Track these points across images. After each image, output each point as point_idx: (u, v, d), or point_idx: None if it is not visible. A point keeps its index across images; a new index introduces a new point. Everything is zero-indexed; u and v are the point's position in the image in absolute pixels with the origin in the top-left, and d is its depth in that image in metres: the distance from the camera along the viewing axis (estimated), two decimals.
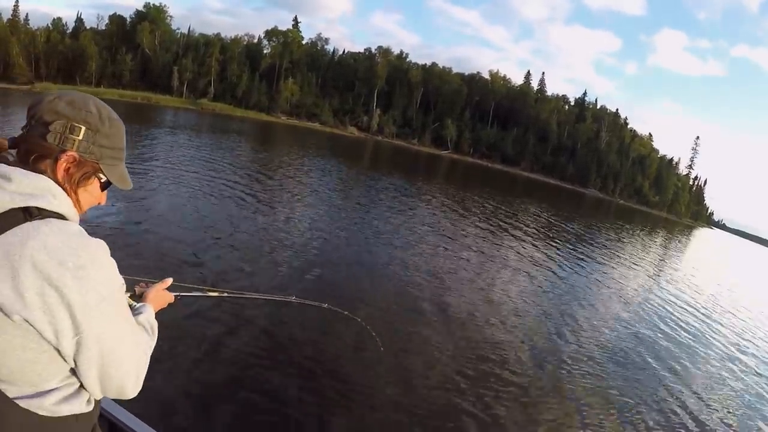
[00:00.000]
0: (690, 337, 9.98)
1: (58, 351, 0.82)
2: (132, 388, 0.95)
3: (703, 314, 12.63)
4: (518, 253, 13.78)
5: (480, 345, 6.57)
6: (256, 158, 24.02)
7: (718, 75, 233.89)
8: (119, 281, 0.91)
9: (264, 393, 4.65)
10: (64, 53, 62.53)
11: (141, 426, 1.68)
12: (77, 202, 0.95)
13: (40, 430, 0.85)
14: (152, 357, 1.02)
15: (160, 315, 1.22)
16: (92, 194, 0.99)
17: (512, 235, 16.45)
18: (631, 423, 5.48)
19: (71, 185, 0.93)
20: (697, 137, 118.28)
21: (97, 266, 0.83)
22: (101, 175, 0.98)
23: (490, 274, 10.70)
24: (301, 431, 4.24)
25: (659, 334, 9.42)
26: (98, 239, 0.87)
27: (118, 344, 0.89)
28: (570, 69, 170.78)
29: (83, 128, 0.91)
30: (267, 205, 12.70)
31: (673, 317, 11.23)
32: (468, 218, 18.26)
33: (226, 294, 1.89)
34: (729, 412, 6.56)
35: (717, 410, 6.51)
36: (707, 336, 10.49)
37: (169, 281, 1.34)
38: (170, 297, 1.34)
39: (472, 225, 16.83)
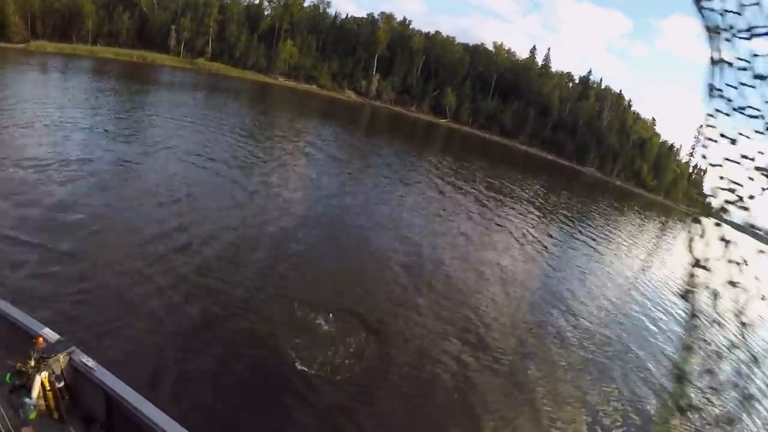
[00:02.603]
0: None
1: None
2: None
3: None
4: (510, 225, 13.97)
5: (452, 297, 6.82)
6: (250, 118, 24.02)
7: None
8: None
9: None
10: (60, 11, 61.15)
11: (136, 397, 1.89)
12: None
13: None
14: None
15: None
16: None
17: (505, 207, 16.61)
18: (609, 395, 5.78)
19: None
20: (701, 126, 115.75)
21: None
22: None
23: (474, 241, 10.79)
24: None
25: (645, 315, 9.63)
26: None
27: None
28: (576, 47, 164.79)
29: None
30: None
31: (662, 296, 11.52)
32: (460, 184, 18.42)
33: None
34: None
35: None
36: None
37: None
38: None
39: (464, 193, 16.97)
